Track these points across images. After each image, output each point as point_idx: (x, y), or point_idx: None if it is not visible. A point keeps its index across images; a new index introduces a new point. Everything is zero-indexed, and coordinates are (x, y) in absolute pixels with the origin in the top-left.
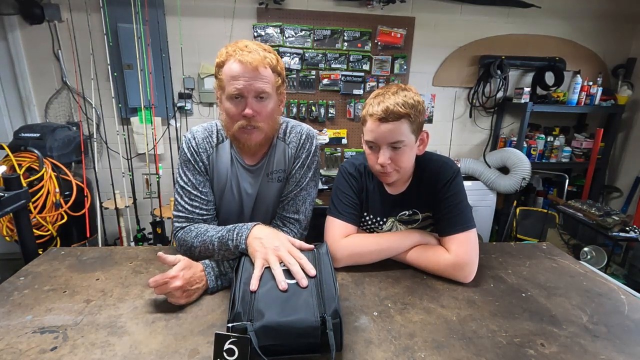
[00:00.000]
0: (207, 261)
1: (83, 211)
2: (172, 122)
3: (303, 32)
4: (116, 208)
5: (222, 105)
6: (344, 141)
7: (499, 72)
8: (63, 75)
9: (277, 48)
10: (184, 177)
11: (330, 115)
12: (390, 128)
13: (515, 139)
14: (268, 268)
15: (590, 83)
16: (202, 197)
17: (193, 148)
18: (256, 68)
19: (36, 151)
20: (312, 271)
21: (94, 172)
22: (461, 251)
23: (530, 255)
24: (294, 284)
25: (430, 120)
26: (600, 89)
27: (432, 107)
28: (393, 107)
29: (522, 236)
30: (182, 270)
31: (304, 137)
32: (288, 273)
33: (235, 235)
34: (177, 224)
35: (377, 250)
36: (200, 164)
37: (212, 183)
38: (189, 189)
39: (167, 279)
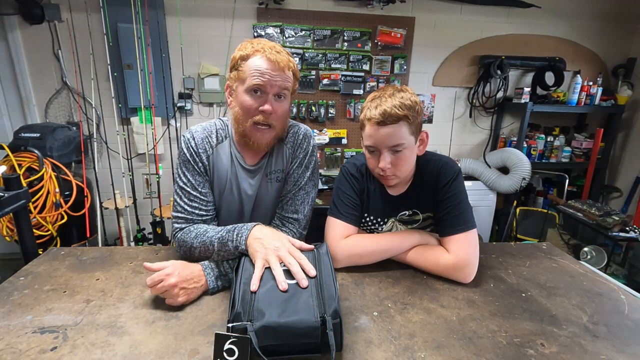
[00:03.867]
0: (206, 262)
1: (83, 211)
2: (172, 122)
3: (303, 32)
4: (116, 208)
5: (236, 98)
6: (344, 141)
7: (499, 72)
8: (63, 75)
9: None
10: (183, 178)
11: (330, 115)
12: (389, 132)
13: (515, 139)
14: (268, 268)
15: (590, 83)
16: (202, 197)
17: (192, 148)
18: (282, 69)
19: (36, 151)
20: (313, 271)
21: (94, 172)
22: (461, 252)
23: (530, 255)
24: (294, 284)
25: (430, 120)
26: (600, 89)
27: (432, 107)
28: (390, 110)
29: (522, 236)
30: (178, 268)
31: (301, 136)
32: (288, 273)
33: (235, 236)
34: (176, 225)
35: (378, 251)
36: (200, 164)
37: (212, 184)
38: (188, 189)
39: (162, 276)
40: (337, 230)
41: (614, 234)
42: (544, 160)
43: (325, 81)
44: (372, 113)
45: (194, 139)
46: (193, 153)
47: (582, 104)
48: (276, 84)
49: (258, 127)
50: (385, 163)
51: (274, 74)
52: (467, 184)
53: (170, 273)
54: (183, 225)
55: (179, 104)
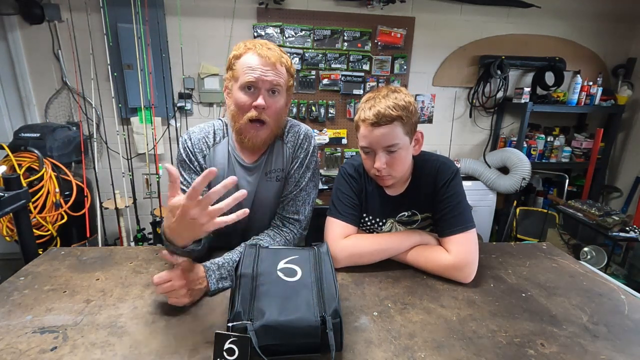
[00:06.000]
0: (207, 264)
1: (83, 211)
2: (172, 122)
3: (303, 32)
4: (116, 208)
5: (231, 96)
6: (344, 141)
7: (499, 72)
8: (63, 75)
9: None
10: (181, 178)
11: (330, 115)
12: (383, 132)
13: (515, 139)
14: (265, 271)
15: (590, 83)
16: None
17: (189, 148)
18: (273, 63)
19: (36, 151)
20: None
21: (94, 172)
22: (461, 252)
23: (530, 255)
24: (294, 282)
25: (430, 120)
26: (600, 89)
27: (432, 107)
28: (384, 111)
29: (522, 236)
30: (186, 268)
31: (301, 136)
32: (288, 272)
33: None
34: None
35: (377, 251)
36: (196, 163)
37: (209, 183)
38: (186, 189)
39: (170, 275)
40: (337, 230)
41: (614, 234)
42: (544, 160)
43: (325, 81)
44: (367, 114)
45: (190, 139)
46: (189, 153)
47: (582, 104)
48: (267, 79)
49: (252, 124)
50: (381, 163)
51: (265, 69)
52: (467, 184)
53: (178, 274)
54: None
55: (179, 104)
